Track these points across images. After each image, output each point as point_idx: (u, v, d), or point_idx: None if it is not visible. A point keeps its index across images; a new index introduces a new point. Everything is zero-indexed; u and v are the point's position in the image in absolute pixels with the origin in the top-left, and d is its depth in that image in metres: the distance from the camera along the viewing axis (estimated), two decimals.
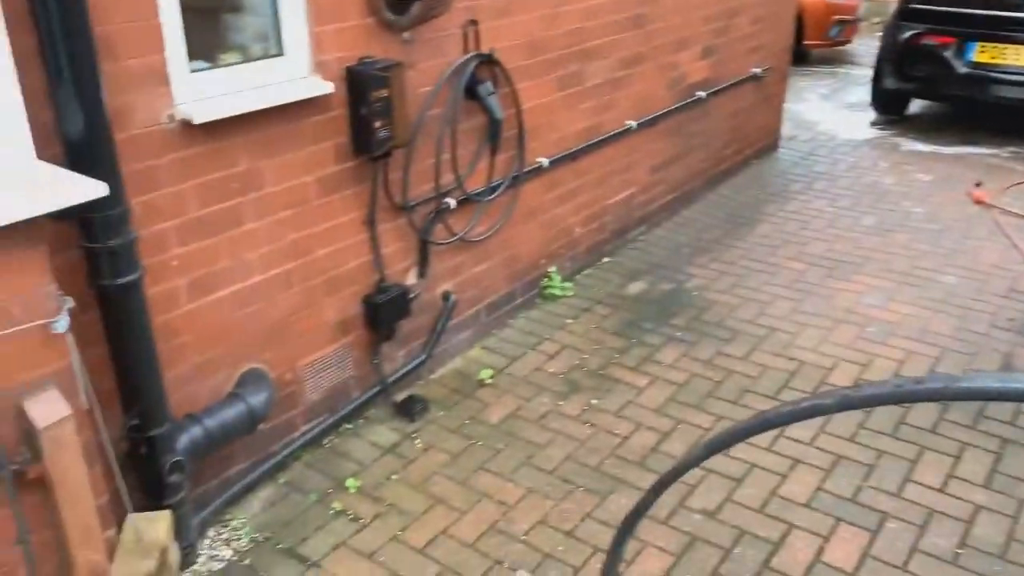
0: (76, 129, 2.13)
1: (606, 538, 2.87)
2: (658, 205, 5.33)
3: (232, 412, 2.82)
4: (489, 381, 3.76)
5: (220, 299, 2.81)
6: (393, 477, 3.19)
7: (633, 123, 4.72)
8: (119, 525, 2.30)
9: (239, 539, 2.88)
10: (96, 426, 2.17)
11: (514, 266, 4.19)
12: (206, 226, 2.70)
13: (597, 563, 2.77)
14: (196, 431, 2.70)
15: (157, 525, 2.27)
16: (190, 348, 2.74)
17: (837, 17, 9.66)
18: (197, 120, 2.52)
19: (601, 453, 3.31)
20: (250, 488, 3.06)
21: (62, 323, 1.96)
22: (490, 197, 3.81)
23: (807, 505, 3.02)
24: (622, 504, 3.03)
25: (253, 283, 2.91)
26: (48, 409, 1.96)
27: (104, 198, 2.00)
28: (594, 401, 3.63)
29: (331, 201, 3.11)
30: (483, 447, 3.35)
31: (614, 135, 4.63)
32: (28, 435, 1.96)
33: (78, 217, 2.18)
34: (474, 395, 3.69)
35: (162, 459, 2.56)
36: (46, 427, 1.94)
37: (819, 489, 3.09)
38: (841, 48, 10.44)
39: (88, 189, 1.91)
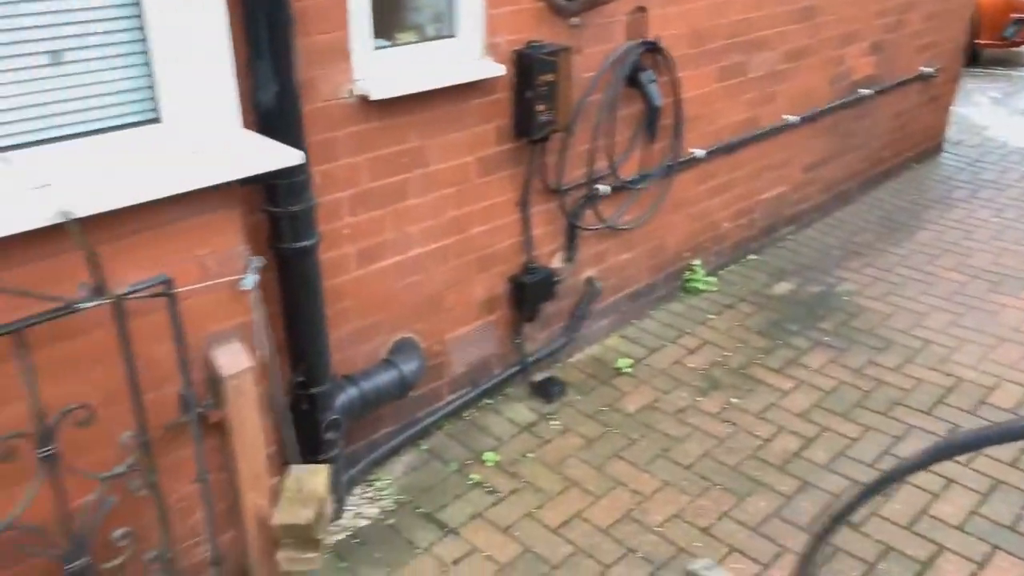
0: (269, 99, 2.26)
1: (744, 539, 2.83)
2: (810, 204, 5.15)
3: (386, 377, 2.93)
4: (627, 370, 3.76)
5: (383, 268, 2.92)
6: (529, 455, 3.24)
7: (792, 118, 4.57)
8: (281, 475, 2.44)
9: (383, 499, 3.00)
10: (270, 380, 2.31)
11: (658, 257, 4.15)
12: (375, 198, 2.81)
13: (734, 562, 2.74)
14: (353, 392, 2.83)
15: (316, 478, 2.39)
16: (353, 313, 2.86)
17: (1015, 16, 9.00)
18: (374, 96, 2.62)
19: (740, 453, 3.25)
20: (394, 452, 3.18)
21: (250, 280, 2.09)
22: (642, 185, 3.79)
23: (960, 528, 2.87)
24: (760, 507, 2.97)
25: (413, 255, 3.01)
26: (232, 360, 2.10)
27: (291, 166, 2.12)
28: (734, 400, 3.56)
29: (488, 181, 3.18)
30: (619, 435, 3.35)
31: (771, 130, 4.50)
32: (213, 382, 2.11)
33: (264, 182, 2.31)
34: (611, 383, 3.69)
35: (321, 416, 2.70)
36: (230, 376, 2.08)
37: (974, 513, 2.93)
38: (1016, 49, 9.73)
39: (286, 156, 2.03)
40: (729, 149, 4.27)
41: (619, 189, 3.68)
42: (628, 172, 3.72)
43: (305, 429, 2.69)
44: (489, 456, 3.21)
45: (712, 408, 3.51)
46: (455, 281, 3.21)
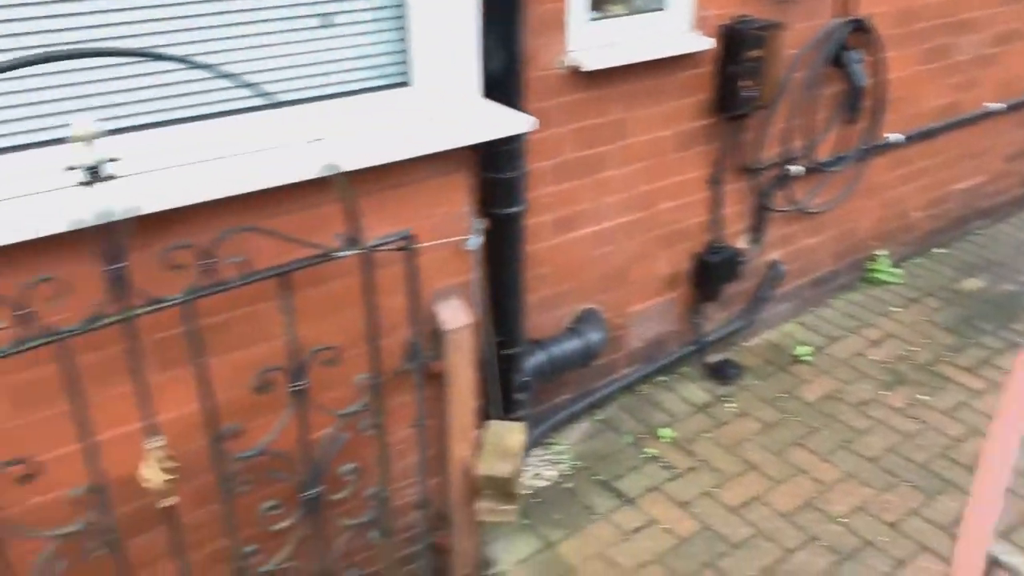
0: (497, 66, 2.32)
1: (934, 538, 2.74)
2: (1007, 198, 4.83)
3: (572, 345, 3.00)
4: (806, 358, 3.67)
5: (577, 238, 2.97)
6: (705, 435, 3.23)
7: (996, 105, 4.29)
8: (481, 428, 2.54)
9: (561, 463, 3.08)
10: (481, 338, 2.41)
11: (845, 243, 4.02)
12: (576, 169, 2.85)
13: (924, 561, 2.65)
14: (541, 356, 2.90)
15: (514, 434, 2.48)
16: (546, 280, 2.93)
17: None
18: (586, 67, 2.65)
19: (929, 451, 3.12)
20: (572, 419, 3.25)
21: (474, 241, 2.18)
22: (836, 168, 3.66)
23: None
24: (951, 507, 2.86)
25: (605, 227, 3.04)
26: (453, 315, 2.20)
27: (510, 135, 2.19)
28: (921, 396, 3.42)
29: (683, 157, 3.16)
30: (798, 423, 3.29)
31: (972, 117, 4.25)
32: (434, 335, 2.22)
33: (486, 149, 2.39)
34: (789, 369, 3.62)
35: (513, 376, 2.79)
36: (451, 330, 2.19)
37: None
38: None
39: (520, 123, 2.10)
40: (928, 135, 4.06)
41: (812, 171, 3.57)
42: (823, 154, 3.61)
43: (499, 388, 2.79)
44: (664, 432, 3.23)
45: (897, 403, 3.38)
46: (641, 255, 3.23)
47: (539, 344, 2.93)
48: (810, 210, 3.70)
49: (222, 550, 1.99)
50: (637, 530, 2.79)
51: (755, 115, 3.23)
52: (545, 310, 3.00)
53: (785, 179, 3.50)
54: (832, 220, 3.87)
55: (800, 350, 3.70)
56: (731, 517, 2.84)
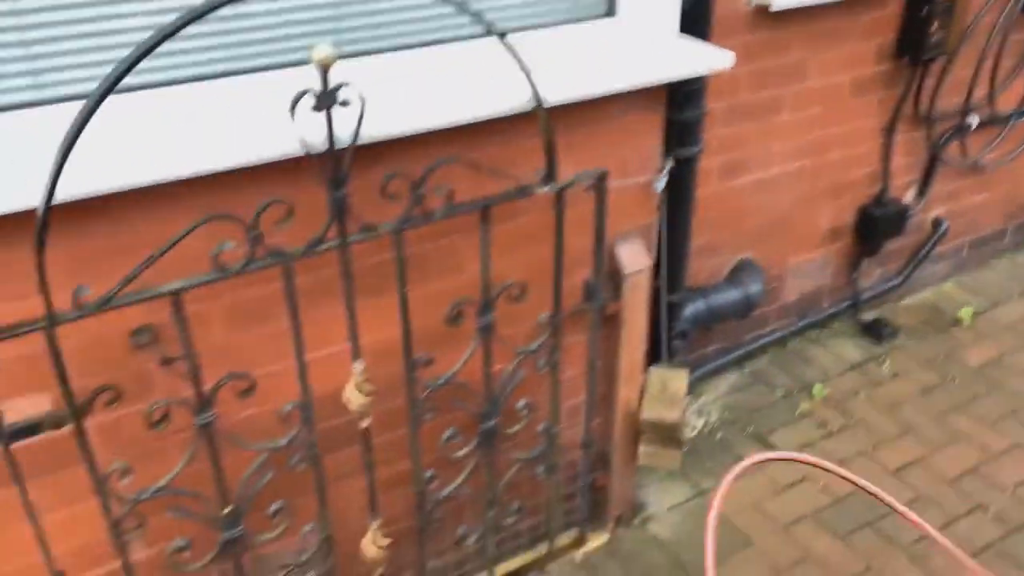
0: (688, 2, 2.24)
1: None
2: None
3: (731, 295, 2.93)
4: (967, 321, 3.50)
5: (742, 185, 2.88)
6: (860, 394, 3.13)
7: None
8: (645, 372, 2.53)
9: (710, 414, 3.05)
10: (656, 282, 2.38)
11: (1014, 203, 3.78)
12: (748, 111, 2.75)
13: None
14: (700, 304, 2.85)
15: (678, 380, 2.46)
16: (708, 226, 2.86)
17: None
18: (774, 7, 2.53)
19: None
20: (720, 370, 3.20)
21: (661, 182, 2.14)
22: (1017, 121, 3.42)
23: None
24: None
25: (771, 174, 2.94)
26: (633, 257, 2.17)
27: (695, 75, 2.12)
28: None
29: (857, 103, 3.01)
30: (960, 388, 3.15)
31: None
32: (612, 276, 2.20)
33: (675, 87, 2.32)
34: (948, 332, 3.46)
35: (672, 323, 2.75)
36: (631, 272, 2.16)
37: None
38: None
39: (718, 60, 2.03)
40: None
41: (990, 123, 3.35)
42: (1005, 106, 3.37)
43: (657, 335, 2.76)
44: (817, 389, 3.14)
45: None
46: (805, 206, 3.11)
47: (699, 292, 2.88)
48: (983, 165, 3.48)
49: (404, 473, 2.06)
50: (792, 485, 2.75)
51: (938, 61, 3.04)
52: (703, 258, 2.94)
53: (961, 131, 3.30)
54: (1003, 176, 3.63)
55: (963, 312, 3.53)
56: (891, 479, 2.76)
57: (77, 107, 1.30)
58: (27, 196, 1.37)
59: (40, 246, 1.33)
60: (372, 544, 2.01)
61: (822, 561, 2.49)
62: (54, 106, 1.54)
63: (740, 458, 2.84)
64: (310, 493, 1.89)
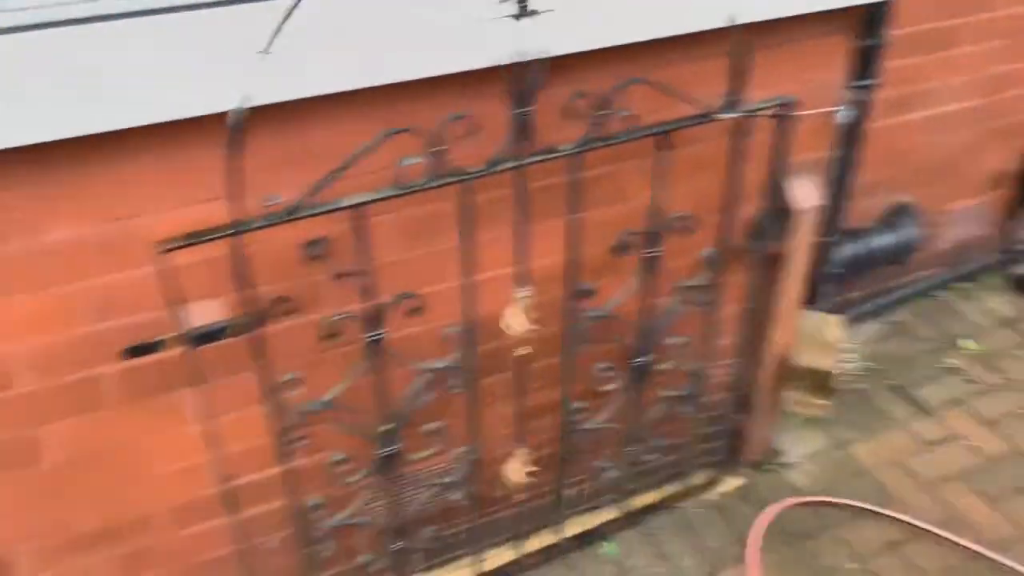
0: None
1: None
2: None
3: (887, 239, 2.76)
4: None
5: (909, 122, 2.68)
6: (1014, 352, 2.94)
7: None
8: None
9: (852, 363, 2.91)
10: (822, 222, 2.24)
11: None
12: (925, 42, 2.53)
13: None
14: (859, 247, 2.70)
15: (832, 328, 2.34)
16: (868, 164, 2.68)
17: None
18: None
19: None
20: (862, 317, 3.05)
21: (845, 113, 1.99)
22: None
23: None
24: None
25: (942, 112, 2.72)
26: (806, 194, 2.04)
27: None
28: None
29: None
30: None
31: None
32: (779, 213, 2.07)
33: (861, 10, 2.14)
34: None
35: (824, 267, 2.61)
36: (802, 210, 2.03)
37: None
38: None
39: None
40: None
41: None
42: None
43: (814, 276, 2.63)
44: (967, 344, 2.97)
45: None
46: (970, 148, 2.88)
47: (854, 234, 2.72)
48: None
49: (553, 402, 2.03)
50: (938, 443, 2.62)
51: None
52: (861, 198, 2.76)
53: None
54: None
55: None
56: None
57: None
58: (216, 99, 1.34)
59: (236, 148, 1.30)
60: (517, 470, 2.00)
61: (969, 522, 2.37)
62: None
63: (880, 411, 2.74)
64: (460, 415, 1.88)
